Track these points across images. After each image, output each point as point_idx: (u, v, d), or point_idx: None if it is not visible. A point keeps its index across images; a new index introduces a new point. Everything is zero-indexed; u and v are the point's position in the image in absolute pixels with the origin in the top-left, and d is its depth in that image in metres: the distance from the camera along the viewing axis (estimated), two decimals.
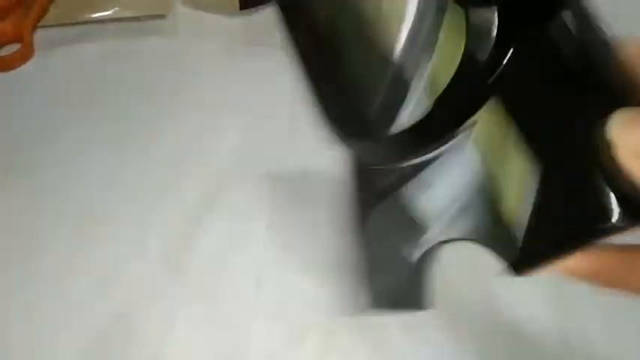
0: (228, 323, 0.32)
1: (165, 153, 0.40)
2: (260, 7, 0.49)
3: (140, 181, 0.39)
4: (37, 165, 0.40)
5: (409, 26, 0.20)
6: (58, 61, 0.45)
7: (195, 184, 0.37)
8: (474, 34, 0.18)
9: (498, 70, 0.17)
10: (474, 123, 0.19)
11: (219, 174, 0.38)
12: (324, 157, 0.29)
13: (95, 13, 0.48)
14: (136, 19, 0.48)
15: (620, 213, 0.15)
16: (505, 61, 0.17)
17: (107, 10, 0.48)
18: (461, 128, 0.19)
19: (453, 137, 0.19)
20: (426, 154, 0.20)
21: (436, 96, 0.19)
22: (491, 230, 0.19)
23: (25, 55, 0.45)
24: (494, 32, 0.17)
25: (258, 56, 0.48)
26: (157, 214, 0.37)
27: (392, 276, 0.25)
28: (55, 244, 0.36)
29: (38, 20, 0.47)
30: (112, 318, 0.32)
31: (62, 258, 0.35)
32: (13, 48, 0.45)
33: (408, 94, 0.20)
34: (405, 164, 0.21)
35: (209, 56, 0.47)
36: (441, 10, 0.19)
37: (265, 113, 0.43)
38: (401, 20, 0.20)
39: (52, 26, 0.47)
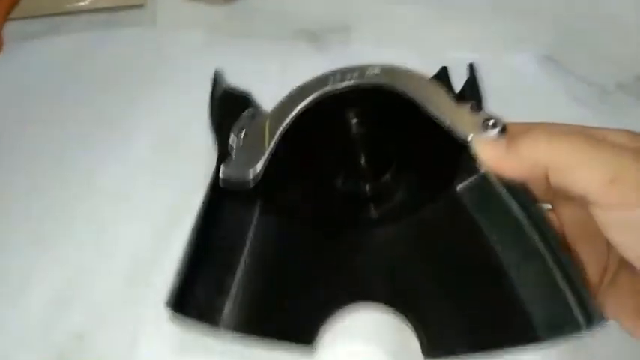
0: (197, 344, 0.30)
1: (137, 156, 0.37)
2: None
3: (105, 189, 0.36)
4: None
5: None
6: (28, 55, 0.43)
7: (165, 193, 0.34)
8: None
9: None
10: None
11: (194, 180, 0.35)
12: None
13: (70, 3, 0.46)
14: (113, 9, 0.45)
15: None
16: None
17: (82, 1, 0.46)
18: None
19: None
20: None
21: None
22: None
23: None
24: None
25: (240, 49, 0.45)
26: (121, 225, 0.34)
27: None
28: (11, 259, 0.33)
29: (9, 12, 0.45)
30: (72, 338, 0.30)
31: (19, 273, 0.33)
32: None
33: None
34: None
35: (188, 49, 0.44)
36: None
37: None
38: None
39: (23, 18, 0.45)
